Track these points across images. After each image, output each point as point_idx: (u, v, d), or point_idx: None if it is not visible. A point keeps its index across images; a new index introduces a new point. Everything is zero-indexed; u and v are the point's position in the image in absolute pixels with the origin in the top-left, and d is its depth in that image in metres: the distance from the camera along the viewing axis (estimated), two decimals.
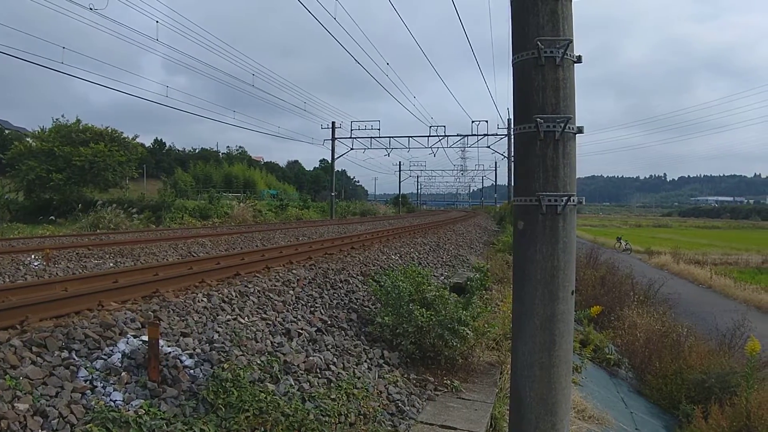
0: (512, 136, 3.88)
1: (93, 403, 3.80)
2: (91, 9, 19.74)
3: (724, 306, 20.91)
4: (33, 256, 11.58)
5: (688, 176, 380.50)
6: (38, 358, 4.12)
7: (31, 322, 5.02)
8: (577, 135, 3.39)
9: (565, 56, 3.31)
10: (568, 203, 3.30)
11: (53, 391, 3.79)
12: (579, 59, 3.39)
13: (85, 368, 4.16)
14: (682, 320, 14.93)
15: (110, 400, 3.91)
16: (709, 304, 22.04)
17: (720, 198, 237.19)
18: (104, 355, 4.42)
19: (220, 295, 6.81)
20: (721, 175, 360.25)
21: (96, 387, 4.01)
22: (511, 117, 4.19)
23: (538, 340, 3.38)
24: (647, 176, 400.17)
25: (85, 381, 4.03)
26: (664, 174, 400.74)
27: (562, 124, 3.27)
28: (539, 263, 3.36)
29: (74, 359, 4.23)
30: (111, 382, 4.11)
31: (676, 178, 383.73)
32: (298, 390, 4.92)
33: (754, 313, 18.54)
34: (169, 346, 4.81)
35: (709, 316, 15.97)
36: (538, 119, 3.26)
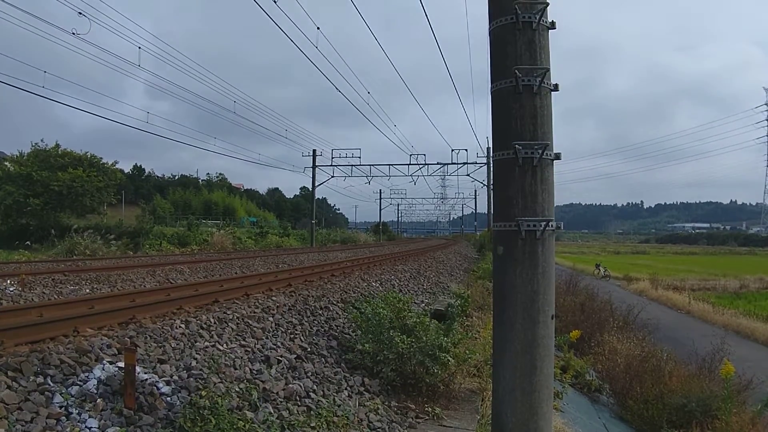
0: (491, 163, 3.93)
1: (68, 429, 3.74)
2: (73, 33, 19.76)
3: (703, 331, 21.05)
4: (8, 281, 11.38)
5: (665, 203, 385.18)
6: (14, 382, 4.04)
7: (6, 347, 4.93)
8: (555, 161, 3.45)
9: (543, 84, 3.38)
10: (547, 228, 3.34)
11: (28, 416, 3.73)
12: (556, 87, 3.46)
13: (60, 394, 4.08)
14: (662, 345, 14.99)
15: (85, 427, 3.84)
16: (688, 329, 22.17)
17: (697, 225, 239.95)
18: (80, 381, 4.35)
19: (199, 321, 6.73)
20: (698, 201, 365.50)
21: (71, 413, 3.94)
22: (491, 146, 4.24)
23: (519, 364, 3.39)
24: (625, 204, 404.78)
25: (60, 407, 3.96)
26: (642, 201, 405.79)
27: (540, 151, 3.33)
28: (519, 288, 3.38)
29: (49, 385, 4.16)
30: (86, 408, 4.04)
31: (653, 206, 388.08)
32: (277, 418, 4.86)
33: (733, 337, 18.66)
34: (145, 373, 4.73)
35: (689, 341, 16.04)
36: (516, 146, 3.32)
